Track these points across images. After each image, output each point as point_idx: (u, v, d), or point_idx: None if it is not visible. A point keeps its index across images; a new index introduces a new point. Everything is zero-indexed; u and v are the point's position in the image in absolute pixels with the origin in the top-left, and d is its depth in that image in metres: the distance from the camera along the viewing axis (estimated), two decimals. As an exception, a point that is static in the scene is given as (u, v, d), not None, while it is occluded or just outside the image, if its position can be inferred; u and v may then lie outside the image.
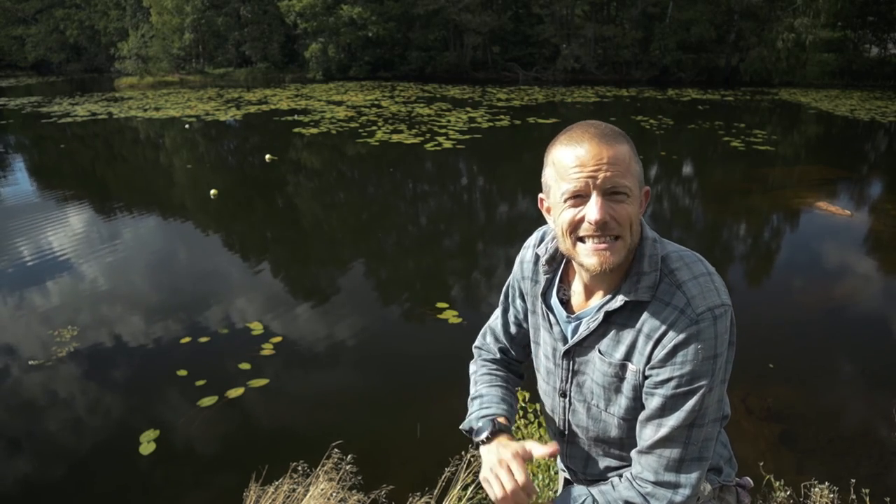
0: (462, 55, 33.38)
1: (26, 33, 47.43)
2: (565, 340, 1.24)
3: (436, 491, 2.69)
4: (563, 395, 1.28)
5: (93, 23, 44.94)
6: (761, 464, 2.81)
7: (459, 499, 2.64)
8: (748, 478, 1.38)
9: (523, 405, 3.35)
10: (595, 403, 1.23)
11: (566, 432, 1.32)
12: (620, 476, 1.20)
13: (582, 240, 1.10)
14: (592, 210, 1.06)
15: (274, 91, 26.57)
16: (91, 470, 3.73)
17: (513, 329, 1.44)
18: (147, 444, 3.82)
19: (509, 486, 1.12)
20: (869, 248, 7.62)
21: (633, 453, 1.18)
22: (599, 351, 1.18)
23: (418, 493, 2.80)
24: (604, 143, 1.06)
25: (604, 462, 1.29)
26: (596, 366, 1.19)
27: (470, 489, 2.68)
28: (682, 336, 1.07)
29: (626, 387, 1.16)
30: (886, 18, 29.41)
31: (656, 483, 1.12)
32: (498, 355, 1.46)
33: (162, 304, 5.93)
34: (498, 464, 1.16)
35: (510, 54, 33.59)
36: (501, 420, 1.29)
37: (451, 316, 5.42)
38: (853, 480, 2.68)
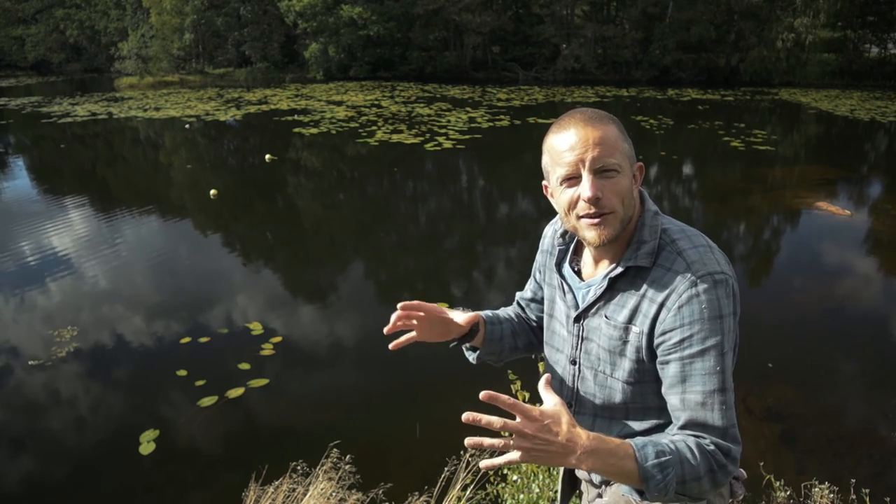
0: (462, 55, 33.36)
1: (26, 33, 47.38)
2: (577, 307, 1.32)
3: (435, 490, 2.69)
4: (574, 362, 1.35)
5: (93, 23, 44.92)
6: (761, 464, 2.80)
7: (459, 499, 2.64)
8: (741, 469, 1.39)
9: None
10: (602, 369, 1.28)
11: (574, 402, 1.37)
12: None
13: (581, 217, 1.18)
14: (585, 188, 1.15)
15: (274, 91, 26.57)
16: (91, 469, 3.73)
17: (529, 294, 1.61)
18: (147, 444, 3.82)
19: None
20: (869, 248, 7.62)
21: (674, 429, 1.19)
22: (605, 316, 1.24)
23: (417, 493, 2.80)
24: (590, 126, 1.16)
25: (607, 430, 1.32)
26: (602, 331, 1.25)
27: (469, 489, 2.68)
28: (684, 297, 1.13)
29: (630, 349, 1.22)
30: (886, 18, 29.37)
31: (716, 448, 1.12)
32: (518, 306, 1.66)
33: (162, 305, 5.93)
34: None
35: (510, 54, 33.56)
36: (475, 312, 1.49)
37: (450, 316, 5.41)
38: (853, 480, 2.68)
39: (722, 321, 1.13)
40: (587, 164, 1.14)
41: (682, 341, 1.13)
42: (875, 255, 7.37)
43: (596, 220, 1.16)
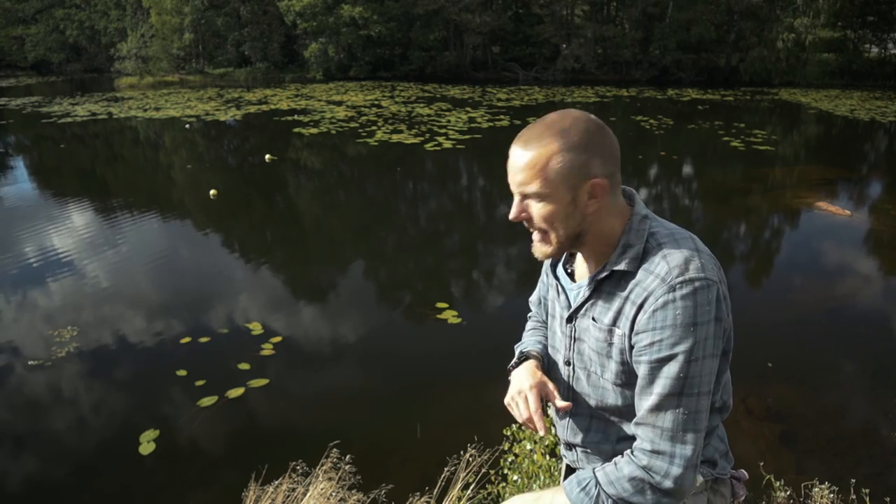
0: (462, 55, 33.36)
1: (26, 33, 47.39)
2: (569, 308, 1.34)
3: (435, 490, 2.69)
4: (568, 363, 1.37)
5: (93, 23, 44.92)
6: (761, 464, 2.81)
7: (459, 498, 2.64)
8: (743, 470, 1.39)
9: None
10: (593, 370, 1.31)
11: (571, 403, 1.38)
12: (622, 453, 1.23)
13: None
14: (512, 210, 1.22)
15: (274, 91, 26.57)
16: (90, 469, 3.73)
17: (536, 297, 1.63)
18: (147, 444, 3.82)
19: (524, 415, 1.28)
20: (869, 248, 7.63)
21: (631, 426, 1.21)
22: (593, 318, 1.27)
23: (418, 493, 2.80)
24: (520, 150, 1.17)
25: (603, 432, 1.34)
26: (591, 332, 1.28)
27: (470, 489, 2.68)
28: (660, 301, 1.13)
29: (615, 351, 1.23)
30: (886, 18, 29.38)
31: (653, 452, 1.14)
32: (542, 315, 1.64)
33: (162, 305, 5.93)
34: (517, 393, 1.32)
35: (510, 54, 33.57)
36: (531, 350, 1.47)
37: (450, 316, 5.41)
38: (853, 480, 2.68)
39: (696, 328, 1.12)
40: (514, 187, 1.19)
41: (651, 344, 1.14)
42: (875, 255, 7.37)
43: (536, 239, 1.23)
